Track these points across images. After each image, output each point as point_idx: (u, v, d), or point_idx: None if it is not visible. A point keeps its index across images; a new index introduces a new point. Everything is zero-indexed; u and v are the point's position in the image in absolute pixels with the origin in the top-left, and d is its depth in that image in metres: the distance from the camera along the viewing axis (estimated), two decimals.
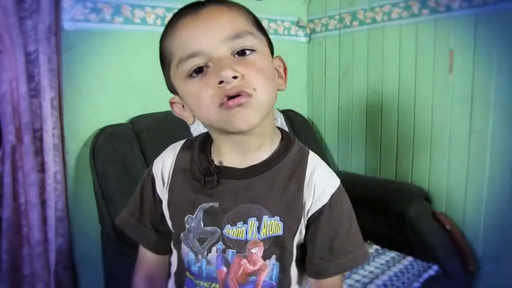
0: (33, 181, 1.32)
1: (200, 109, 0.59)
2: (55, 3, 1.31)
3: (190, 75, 0.58)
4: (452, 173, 1.59)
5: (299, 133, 1.84)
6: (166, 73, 0.64)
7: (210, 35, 0.57)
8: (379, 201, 1.61)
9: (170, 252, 0.72)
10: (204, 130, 0.70)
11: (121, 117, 1.49)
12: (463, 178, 1.56)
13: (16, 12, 1.23)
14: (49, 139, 1.34)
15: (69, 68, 1.38)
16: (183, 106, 0.65)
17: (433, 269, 1.36)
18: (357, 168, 1.93)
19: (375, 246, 1.51)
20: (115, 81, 1.48)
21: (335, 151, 2.03)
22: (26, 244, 1.35)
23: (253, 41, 0.59)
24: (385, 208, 1.57)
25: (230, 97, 0.56)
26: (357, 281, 1.25)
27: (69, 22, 1.37)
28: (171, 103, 0.67)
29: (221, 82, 0.55)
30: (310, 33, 2.06)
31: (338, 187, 0.65)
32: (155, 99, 1.52)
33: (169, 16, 1.51)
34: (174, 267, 0.70)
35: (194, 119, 0.64)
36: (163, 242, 0.71)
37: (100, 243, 1.46)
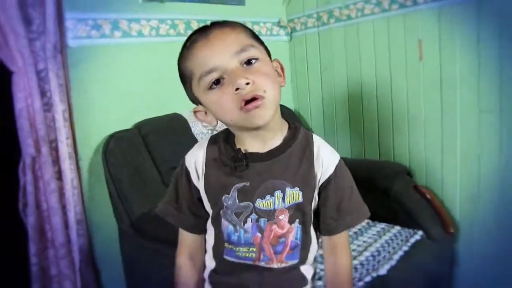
0: (53, 188, 1.43)
1: (224, 112, 0.73)
2: (59, 24, 1.42)
3: (210, 87, 0.72)
4: (429, 150, 1.77)
5: None
6: (188, 89, 0.79)
7: (222, 53, 0.70)
8: (366, 180, 1.74)
9: (205, 232, 0.85)
10: (204, 130, 0.83)
11: (127, 122, 1.61)
12: (439, 154, 1.73)
13: (26, 34, 1.34)
14: (64, 148, 1.45)
15: (77, 82, 1.49)
16: (205, 113, 0.79)
17: (419, 234, 1.54)
18: (344, 153, 2.08)
19: (365, 220, 1.68)
20: (119, 90, 1.60)
21: (322, 139, 2.18)
22: (51, 246, 1.47)
23: (255, 51, 0.74)
24: (372, 186, 1.73)
25: (247, 101, 0.70)
26: (353, 250, 1.42)
27: (73, 40, 1.47)
28: (195, 112, 0.81)
29: (237, 89, 0.69)
30: (291, 32, 2.20)
31: (340, 160, 0.81)
32: (157, 104, 1.67)
33: (163, 26, 1.71)
34: (211, 242, 0.83)
35: (217, 122, 0.79)
36: (200, 223, 0.85)
37: (118, 240, 1.58)
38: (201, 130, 1.70)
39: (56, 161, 1.47)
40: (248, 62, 0.71)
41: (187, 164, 0.83)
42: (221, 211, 0.78)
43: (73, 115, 1.50)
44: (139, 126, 1.61)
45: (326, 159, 0.79)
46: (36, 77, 1.38)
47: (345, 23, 1.96)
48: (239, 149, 0.78)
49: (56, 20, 1.40)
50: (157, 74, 1.64)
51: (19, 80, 1.36)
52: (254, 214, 0.76)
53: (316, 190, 0.78)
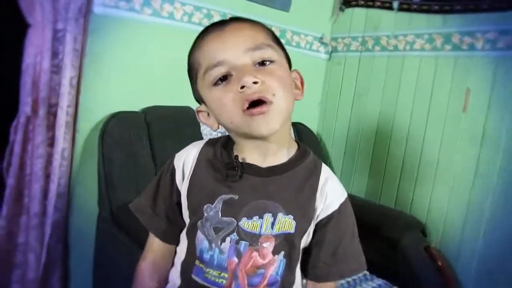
0: (41, 153, 1.35)
1: (224, 112, 0.64)
2: None
3: (215, 83, 0.64)
4: (451, 211, 1.59)
5: None
6: (193, 85, 0.70)
7: (233, 47, 0.63)
8: (375, 225, 1.60)
9: (177, 243, 0.75)
10: (214, 132, 0.74)
11: (135, 105, 1.52)
12: (461, 219, 1.55)
13: None
14: (63, 115, 1.37)
15: (93, 51, 1.41)
16: (208, 114, 0.70)
17: None
18: (358, 191, 1.93)
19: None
20: (134, 70, 1.51)
21: (339, 169, 2.04)
22: (25, 213, 1.38)
23: (272, 53, 0.65)
24: (379, 233, 1.57)
25: (252, 103, 0.61)
26: None
27: (99, 7, 1.40)
28: (197, 112, 0.72)
29: (242, 87, 0.60)
30: (331, 51, 2.08)
31: (346, 198, 0.72)
32: (169, 93, 1.57)
33: (198, 14, 1.60)
34: (181, 256, 0.72)
35: (218, 126, 0.70)
36: (173, 231, 0.75)
37: (95, 224, 1.48)
38: (211, 131, 1.59)
39: (52, 126, 1.39)
40: (262, 63, 0.64)
41: (175, 161, 0.74)
42: (199, 222, 0.68)
43: (81, 84, 1.42)
44: (146, 112, 1.52)
45: (331, 194, 0.70)
46: (52, 36, 1.31)
47: (390, 53, 1.82)
48: (236, 156, 0.68)
49: None
50: (178, 62, 1.51)
51: (33, 35, 1.29)
52: (235, 234, 0.66)
53: (312, 224, 0.69)
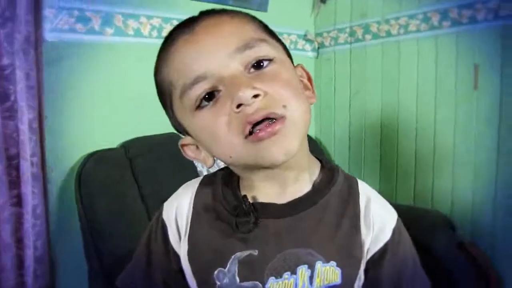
0: (6, 217, 1.14)
1: (218, 144, 0.48)
2: (34, 11, 1.16)
3: (199, 106, 0.49)
4: (479, 199, 1.46)
5: None
6: (169, 112, 0.54)
7: (214, 51, 0.48)
8: None
9: None
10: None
11: (112, 141, 1.35)
12: (490, 205, 1.42)
13: None
14: (27, 167, 1.17)
15: (52, 85, 1.23)
16: (197, 147, 0.55)
17: None
18: None
19: None
20: (105, 99, 1.34)
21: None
22: None
23: (268, 49, 0.50)
24: None
25: (256, 123, 0.44)
26: None
27: (51, 33, 1.22)
28: (182, 146, 0.55)
29: (239, 105, 0.45)
30: (318, 48, 1.96)
31: (398, 220, 0.57)
32: (151, 120, 1.38)
33: (167, 27, 1.41)
34: None
35: (214, 161, 0.53)
36: None
37: (87, 283, 1.28)
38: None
39: (16, 183, 1.17)
40: (258, 65, 0.49)
41: (164, 215, 0.58)
42: None
43: (44, 127, 1.22)
44: (127, 146, 1.33)
45: (379, 219, 0.55)
46: None
47: (384, 40, 1.69)
48: (245, 196, 0.53)
49: (31, 5, 1.13)
50: (153, 83, 1.36)
51: None
52: None
53: (362, 265, 0.54)
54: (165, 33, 1.38)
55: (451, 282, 1.32)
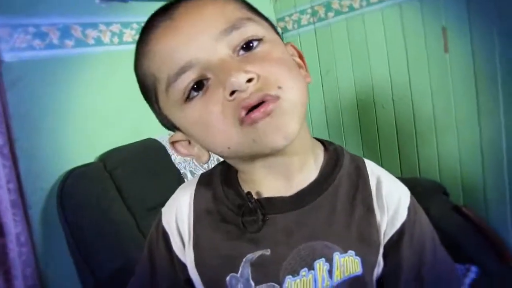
0: None
1: (213, 136, 0.44)
2: None
3: (188, 98, 0.45)
4: (466, 162, 1.45)
5: None
6: (155, 107, 0.50)
7: (198, 36, 0.43)
8: None
9: None
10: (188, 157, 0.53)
11: (88, 155, 1.30)
12: (479, 166, 1.41)
13: None
14: (5, 195, 1.13)
15: (18, 107, 1.17)
16: (189, 142, 0.51)
17: (473, 271, 1.20)
18: None
19: None
20: (75, 113, 1.29)
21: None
22: None
23: (256, 28, 0.46)
24: None
25: (251, 108, 0.41)
26: None
27: (9, 53, 1.16)
28: (173, 143, 0.51)
29: (232, 93, 0.42)
30: (282, 33, 1.91)
31: (411, 197, 0.54)
32: (125, 128, 1.37)
33: (128, 31, 1.37)
34: None
35: (209, 155, 0.50)
36: None
37: None
38: (185, 157, 1.37)
39: None
40: (247, 47, 0.45)
41: (164, 222, 0.54)
42: None
43: (15, 151, 1.17)
44: (104, 159, 1.29)
45: (392, 198, 0.51)
46: None
47: (347, 15, 1.66)
48: (249, 193, 0.49)
49: None
50: (123, 90, 1.30)
51: None
52: None
53: (381, 250, 0.51)
54: (126, 38, 1.37)
55: (452, 245, 1.32)
